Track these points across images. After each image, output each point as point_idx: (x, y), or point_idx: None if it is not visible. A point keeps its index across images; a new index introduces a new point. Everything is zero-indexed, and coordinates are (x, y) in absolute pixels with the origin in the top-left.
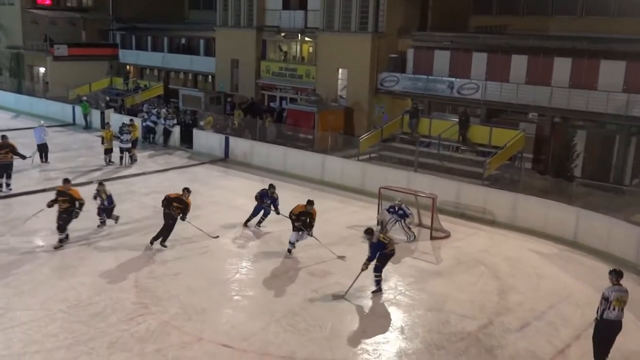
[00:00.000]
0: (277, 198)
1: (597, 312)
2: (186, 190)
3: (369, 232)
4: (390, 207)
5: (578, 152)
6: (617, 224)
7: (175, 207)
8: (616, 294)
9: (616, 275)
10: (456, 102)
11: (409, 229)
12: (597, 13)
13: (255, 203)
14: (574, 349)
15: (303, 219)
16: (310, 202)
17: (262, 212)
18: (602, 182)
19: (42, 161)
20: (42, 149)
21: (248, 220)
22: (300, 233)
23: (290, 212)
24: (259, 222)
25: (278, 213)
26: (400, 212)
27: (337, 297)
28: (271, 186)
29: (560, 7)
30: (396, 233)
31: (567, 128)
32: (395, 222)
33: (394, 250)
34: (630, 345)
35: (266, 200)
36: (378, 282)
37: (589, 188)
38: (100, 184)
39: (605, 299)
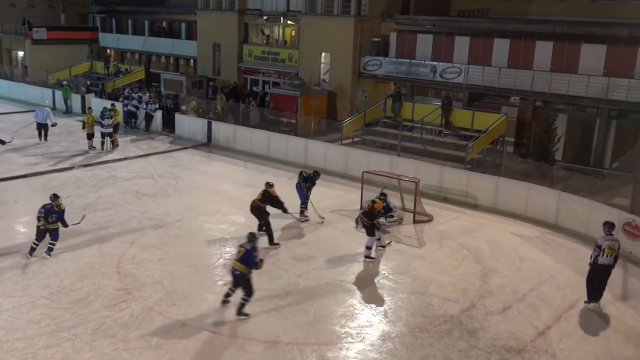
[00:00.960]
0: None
1: (591, 258)
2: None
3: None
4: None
5: (559, 136)
6: (597, 207)
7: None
8: (608, 243)
9: (609, 227)
10: (439, 86)
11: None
12: None
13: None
14: (554, 330)
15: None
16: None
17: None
18: (582, 165)
19: (40, 140)
20: (42, 128)
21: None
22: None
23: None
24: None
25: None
26: (384, 204)
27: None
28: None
29: None
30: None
31: (549, 112)
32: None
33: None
34: (610, 327)
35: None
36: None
37: (570, 171)
38: (55, 196)
39: (598, 247)
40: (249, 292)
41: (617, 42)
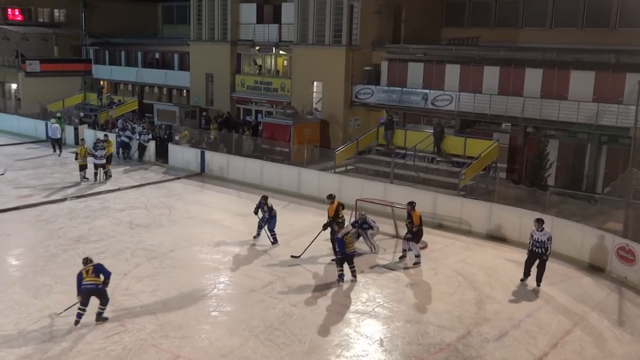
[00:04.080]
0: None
1: (529, 246)
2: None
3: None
4: (355, 221)
5: (551, 162)
6: (590, 232)
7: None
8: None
9: (538, 222)
10: (431, 113)
11: (372, 241)
12: (566, 24)
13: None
14: (551, 357)
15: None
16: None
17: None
18: (575, 190)
19: (55, 151)
20: (56, 142)
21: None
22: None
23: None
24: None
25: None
26: (365, 225)
27: (294, 257)
28: (264, 197)
29: (530, 19)
30: (360, 245)
31: (540, 138)
32: (359, 236)
33: (354, 251)
34: (607, 352)
35: (263, 212)
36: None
37: (563, 197)
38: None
39: (542, 246)
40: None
41: (606, 68)
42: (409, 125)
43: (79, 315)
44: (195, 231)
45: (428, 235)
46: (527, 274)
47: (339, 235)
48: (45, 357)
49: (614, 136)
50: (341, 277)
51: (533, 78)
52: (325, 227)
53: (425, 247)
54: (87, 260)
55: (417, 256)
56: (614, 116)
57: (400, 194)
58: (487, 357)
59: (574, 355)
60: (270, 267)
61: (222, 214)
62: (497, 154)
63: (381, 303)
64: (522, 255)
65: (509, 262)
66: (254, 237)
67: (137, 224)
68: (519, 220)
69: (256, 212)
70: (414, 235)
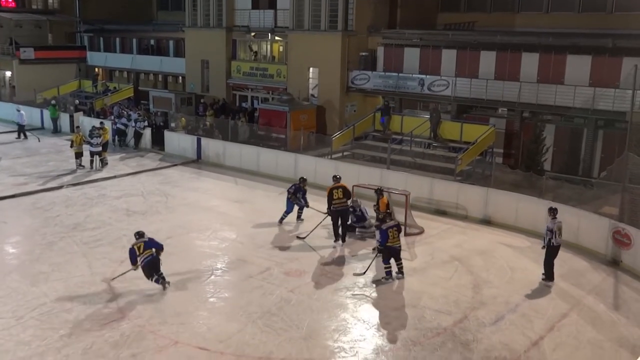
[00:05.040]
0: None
1: (544, 241)
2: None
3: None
4: (349, 207)
5: (547, 146)
6: (586, 217)
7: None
8: (558, 225)
9: (554, 212)
10: (427, 98)
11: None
12: (562, 9)
13: (287, 200)
14: (547, 340)
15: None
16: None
17: (296, 207)
18: (571, 175)
19: (18, 138)
20: (22, 129)
21: (282, 218)
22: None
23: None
24: (298, 216)
25: (308, 206)
26: (358, 213)
27: (300, 238)
28: (302, 179)
29: (526, 3)
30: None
31: (536, 122)
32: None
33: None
34: (603, 335)
35: (299, 195)
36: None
37: (559, 181)
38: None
39: (550, 231)
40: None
41: (602, 52)
42: (405, 111)
43: (159, 281)
44: (192, 218)
45: (425, 220)
46: (552, 275)
47: (384, 227)
48: (43, 344)
49: (610, 120)
50: (389, 273)
51: (529, 63)
52: (378, 223)
53: (421, 232)
54: (139, 235)
55: (379, 241)
56: (611, 100)
57: (397, 180)
58: (483, 341)
59: (570, 338)
60: (267, 253)
61: (219, 201)
62: (493, 139)
63: (378, 288)
64: (518, 240)
65: (505, 246)
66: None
67: (134, 211)
68: (515, 205)
69: (294, 198)
70: (380, 222)
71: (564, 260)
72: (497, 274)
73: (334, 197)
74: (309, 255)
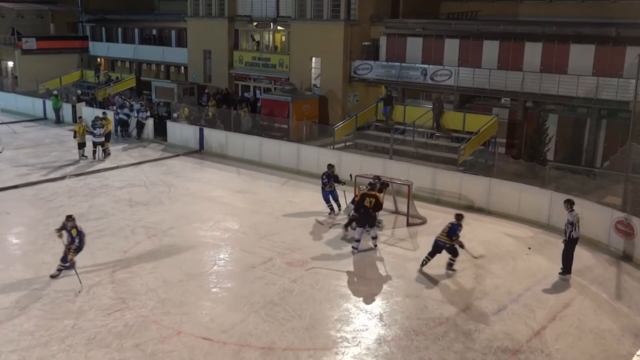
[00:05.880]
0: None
1: (566, 234)
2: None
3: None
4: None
5: (550, 136)
6: (589, 207)
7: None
8: (577, 217)
9: (571, 204)
10: (430, 88)
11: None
12: None
13: (323, 191)
14: (549, 330)
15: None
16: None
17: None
18: (574, 165)
19: None
20: None
21: (332, 211)
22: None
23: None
24: (339, 206)
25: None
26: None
27: (319, 222)
28: (330, 165)
29: None
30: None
31: (539, 112)
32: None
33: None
34: (605, 325)
35: (331, 182)
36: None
37: (562, 171)
38: (70, 218)
39: (570, 224)
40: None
41: (606, 42)
42: (408, 101)
43: (450, 266)
44: (195, 208)
45: (427, 210)
46: (571, 268)
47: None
48: (47, 334)
49: (613, 110)
50: (450, 265)
51: (532, 52)
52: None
53: (424, 222)
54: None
55: (374, 238)
56: (614, 90)
57: (399, 170)
58: (486, 330)
59: (572, 328)
60: (270, 244)
61: (222, 191)
62: (496, 129)
63: (381, 278)
64: (521, 230)
65: (508, 236)
66: (334, 214)
67: (137, 202)
68: (518, 195)
69: (330, 186)
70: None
71: None
72: (500, 264)
73: (365, 204)
74: (312, 245)
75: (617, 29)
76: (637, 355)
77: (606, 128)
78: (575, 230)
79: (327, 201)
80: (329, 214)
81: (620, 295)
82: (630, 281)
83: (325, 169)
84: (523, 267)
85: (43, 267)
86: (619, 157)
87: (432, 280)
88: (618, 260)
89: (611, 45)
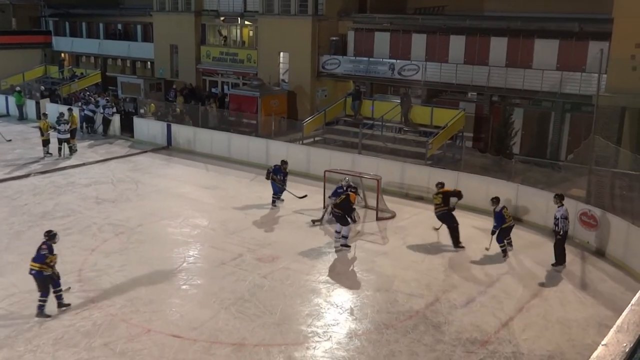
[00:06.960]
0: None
1: (558, 228)
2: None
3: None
4: (338, 187)
5: (516, 130)
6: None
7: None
8: (567, 211)
9: (560, 199)
10: (397, 83)
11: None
12: None
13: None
14: (517, 321)
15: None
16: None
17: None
18: (539, 158)
19: None
20: None
21: (273, 201)
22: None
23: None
24: (273, 201)
25: (285, 189)
26: (352, 189)
27: (314, 221)
28: (283, 162)
29: None
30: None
31: (505, 106)
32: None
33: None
34: (570, 315)
35: (280, 177)
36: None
37: (528, 164)
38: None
39: (565, 218)
40: None
41: (569, 36)
42: (376, 96)
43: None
44: (163, 205)
45: (396, 204)
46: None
47: (497, 209)
48: (14, 334)
49: (577, 104)
50: (505, 251)
51: (498, 47)
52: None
53: (393, 216)
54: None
55: (345, 237)
56: (577, 84)
57: (368, 164)
58: (455, 322)
59: (539, 318)
60: (239, 240)
61: (190, 187)
62: (463, 123)
63: (351, 272)
64: (488, 223)
65: (476, 229)
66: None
67: (104, 199)
68: (485, 189)
69: (273, 178)
70: (342, 219)
71: (531, 242)
72: (468, 257)
73: (435, 203)
74: (282, 241)
75: (580, 24)
76: (602, 345)
77: (570, 122)
78: (567, 224)
79: (276, 191)
80: (274, 202)
81: (585, 285)
82: (594, 272)
83: (302, 164)
84: (491, 260)
85: (8, 267)
86: (583, 150)
87: (402, 274)
88: (583, 252)
89: (574, 40)
